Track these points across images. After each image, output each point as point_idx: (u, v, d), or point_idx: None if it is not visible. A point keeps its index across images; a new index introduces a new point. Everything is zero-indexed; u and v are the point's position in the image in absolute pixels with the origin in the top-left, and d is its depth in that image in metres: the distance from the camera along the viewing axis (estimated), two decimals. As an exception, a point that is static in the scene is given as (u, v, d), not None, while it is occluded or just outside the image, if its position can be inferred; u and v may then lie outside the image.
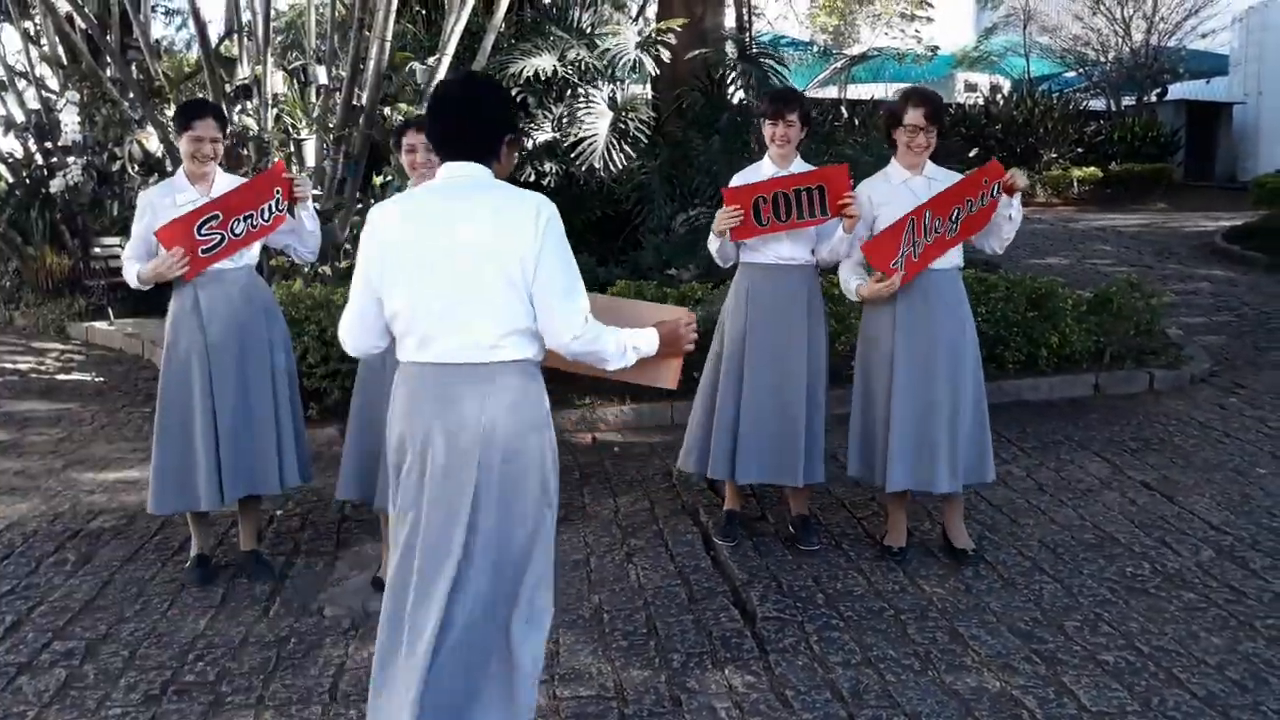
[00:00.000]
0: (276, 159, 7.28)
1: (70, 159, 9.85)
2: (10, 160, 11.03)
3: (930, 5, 22.75)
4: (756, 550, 4.23)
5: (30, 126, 10.67)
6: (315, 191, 3.96)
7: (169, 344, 3.96)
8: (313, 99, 8.61)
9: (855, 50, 23.72)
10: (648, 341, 2.53)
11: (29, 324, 10.11)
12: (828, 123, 11.60)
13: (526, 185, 8.69)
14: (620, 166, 8.23)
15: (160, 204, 3.90)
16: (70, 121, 10.27)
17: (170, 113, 8.95)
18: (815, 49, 23.61)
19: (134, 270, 3.90)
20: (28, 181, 10.56)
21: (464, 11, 7.74)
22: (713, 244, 4.20)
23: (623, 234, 8.34)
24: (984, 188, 3.90)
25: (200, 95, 8.73)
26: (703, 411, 4.37)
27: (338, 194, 7.47)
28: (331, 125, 7.55)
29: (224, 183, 4.01)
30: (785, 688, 3.13)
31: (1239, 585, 3.80)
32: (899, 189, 3.99)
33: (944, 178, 4.02)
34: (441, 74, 7.64)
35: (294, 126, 7.59)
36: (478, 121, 2.46)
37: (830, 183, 3.98)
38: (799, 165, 4.21)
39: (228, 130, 4.05)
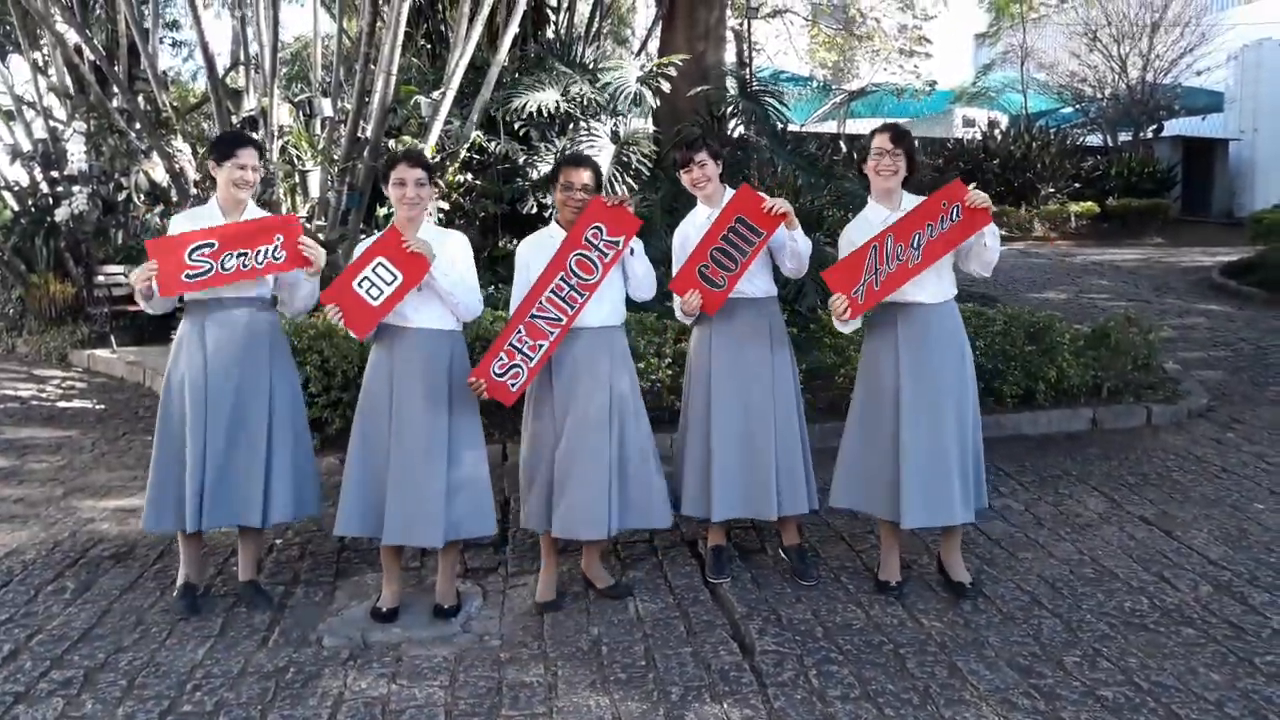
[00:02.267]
0: (283, 200, 7.35)
1: (76, 188, 9.92)
2: (16, 189, 11.10)
3: (929, 41, 22.99)
4: (755, 583, 4.23)
5: (37, 155, 10.76)
6: (317, 266, 3.93)
7: (170, 367, 4.03)
8: (318, 131, 8.69)
9: (854, 85, 24.01)
10: None
11: (31, 351, 10.16)
12: (826, 157, 11.72)
13: (529, 217, 8.80)
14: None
15: (186, 229, 3.92)
16: (76, 151, 10.36)
17: (177, 144, 9.03)
18: (814, 84, 23.86)
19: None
20: (33, 210, 10.62)
21: (468, 46, 7.83)
22: (684, 318, 4.29)
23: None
24: (944, 210, 3.84)
25: (206, 127, 8.81)
26: (681, 451, 4.40)
27: (341, 225, 7.51)
28: (336, 157, 7.61)
29: (254, 215, 4.05)
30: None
31: (1238, 621, 3.80)
32: (879, 228, 3.97)
33: None
34: (446, 107, 7.71)
35: (299, 158, 7.64)
36: None
37: (743, 208, 4.00)
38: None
39: (262, 161, 4.11)
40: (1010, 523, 4.93)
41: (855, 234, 4.08)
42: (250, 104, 9.19)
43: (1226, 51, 21.43)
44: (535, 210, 8.50)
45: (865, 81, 23.76)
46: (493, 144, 8.26)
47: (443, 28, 9.84)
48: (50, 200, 10.20)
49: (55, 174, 10.35)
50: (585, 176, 4.02)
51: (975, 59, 29.98)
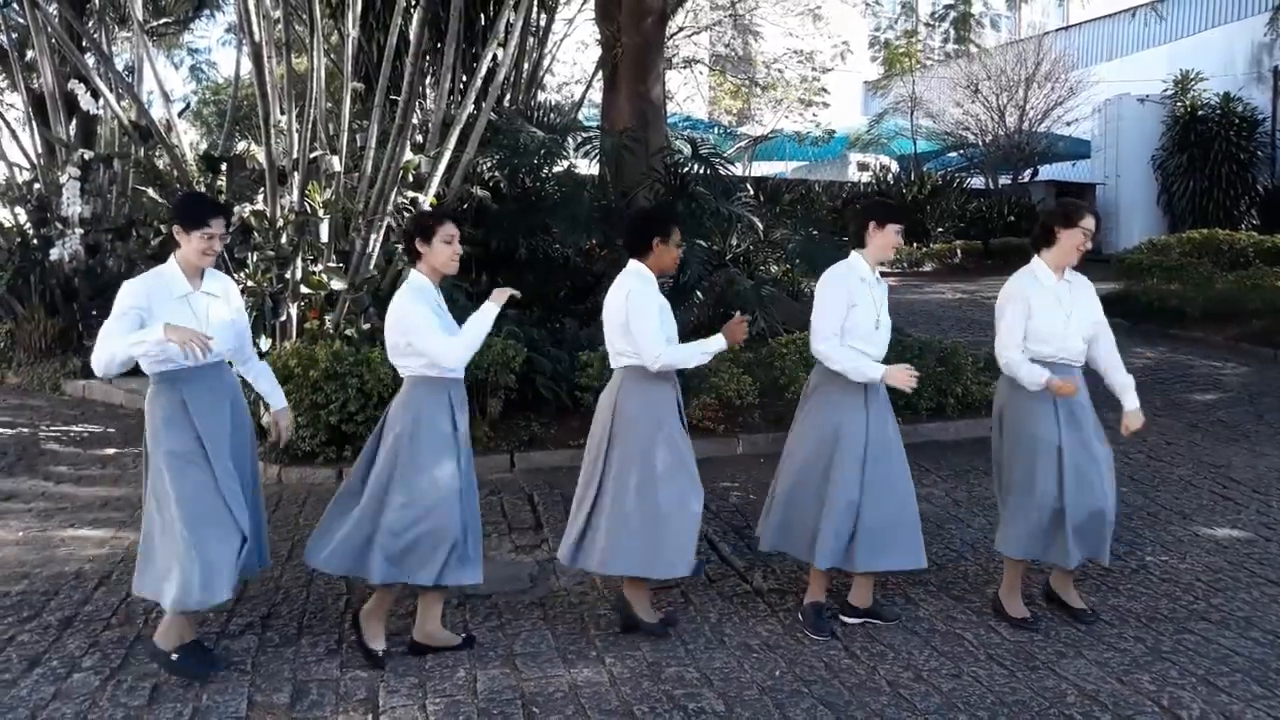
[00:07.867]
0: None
1: (69, 230, 10.47)
2: (8, 228, 11.46)
3: (826, 92, 24.91)
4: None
5: (31, 199, 11.26)
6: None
7: (162, 442, 3.84)
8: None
9: (757, 131, 25.78)
10: (716, 344, 4.24)
11: (23, 382, 10.65)
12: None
13: (499, 255, 9.92)
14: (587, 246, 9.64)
15: (157, 294, 3.81)
16: (70, 194, 10.82)
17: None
18: (718, 130, 25.49)
19: (128, 342, 3.62)
20: (31, 247, 10.88)
21: (463, 114, 8.98)
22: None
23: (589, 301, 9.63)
24: None
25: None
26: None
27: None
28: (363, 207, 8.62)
29: (212, 280, 4.02)
30: (797, 630, 4.39)
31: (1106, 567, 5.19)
32: (1048, 291, 4.44)
33: (1077, 280, 4.53)
34: (442, 166, 8.83)
35: (311, 207, 8.54)
36: (628, 234, 4.45)
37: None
38: None
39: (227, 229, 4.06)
40: (935, 505, 6.28)
41: (1031, 293, 4.41)
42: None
43: (1092, 105, 23.76)
44: (502, 248, 9.66)
45: (767, 128, 25.52)
46: (475, 190, 9.42)
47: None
48: (44, 242, 10.72)
49: (48, 216, 10.88)
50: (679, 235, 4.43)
51: (867, 106, 32.13)
